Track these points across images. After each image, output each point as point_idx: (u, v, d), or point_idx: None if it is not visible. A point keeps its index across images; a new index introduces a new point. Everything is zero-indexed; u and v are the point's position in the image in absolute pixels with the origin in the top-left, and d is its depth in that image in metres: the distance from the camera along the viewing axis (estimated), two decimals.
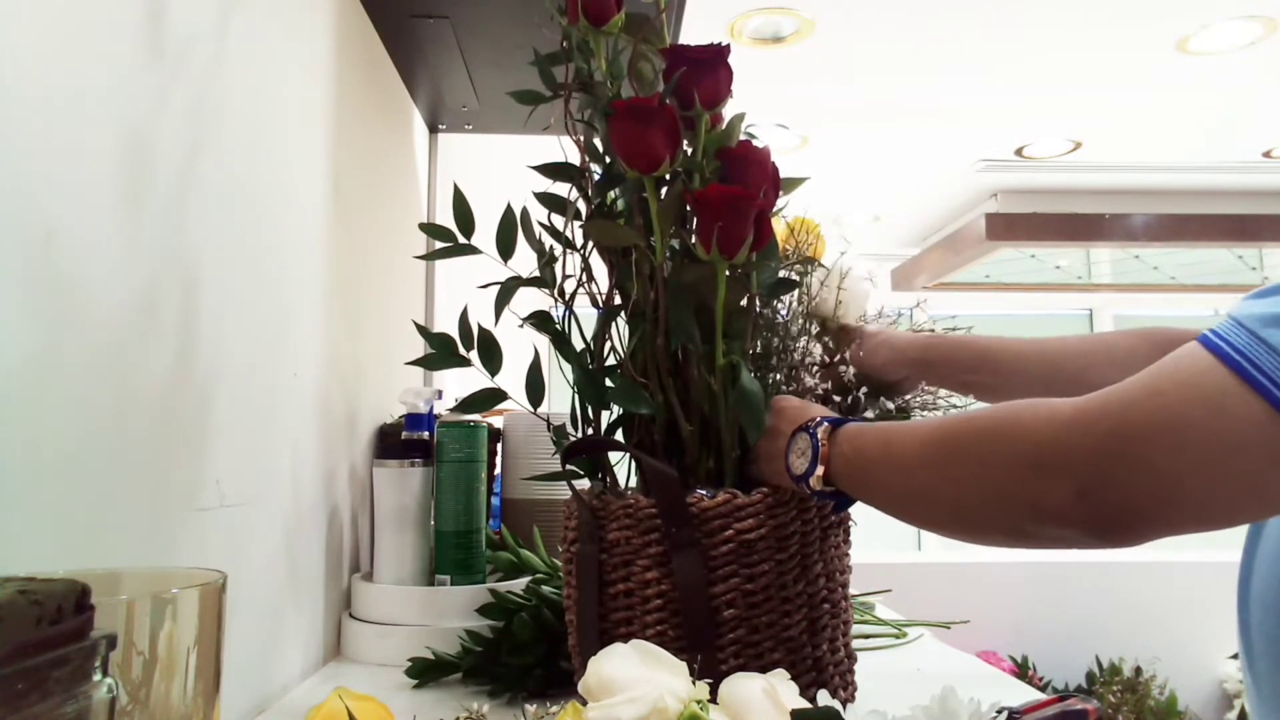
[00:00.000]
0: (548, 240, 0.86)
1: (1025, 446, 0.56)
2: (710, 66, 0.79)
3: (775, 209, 0.82)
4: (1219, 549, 3.36)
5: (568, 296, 0.86)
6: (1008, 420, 0.58)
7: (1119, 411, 0.53)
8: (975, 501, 0.60)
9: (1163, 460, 0.51)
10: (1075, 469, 0.53)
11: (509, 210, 0.86)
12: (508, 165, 1.42)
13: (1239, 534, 0.76)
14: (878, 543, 3.95)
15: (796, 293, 0.87)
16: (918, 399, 0.95)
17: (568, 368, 0.84)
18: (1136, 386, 0.54)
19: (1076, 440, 0.54)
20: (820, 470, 0.69)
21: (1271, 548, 0.76)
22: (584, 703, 0.55)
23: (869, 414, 0.85)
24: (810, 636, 0.75)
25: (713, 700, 0.57)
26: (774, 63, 2.11)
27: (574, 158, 0.85)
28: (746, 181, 0.76)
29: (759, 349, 0.84)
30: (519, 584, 1.03)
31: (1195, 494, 0.52)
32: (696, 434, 0.79)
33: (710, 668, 0.69)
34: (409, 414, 1.13)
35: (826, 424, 0.70)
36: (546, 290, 0.86)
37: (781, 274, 0.83)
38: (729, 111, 0.82)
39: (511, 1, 1.22)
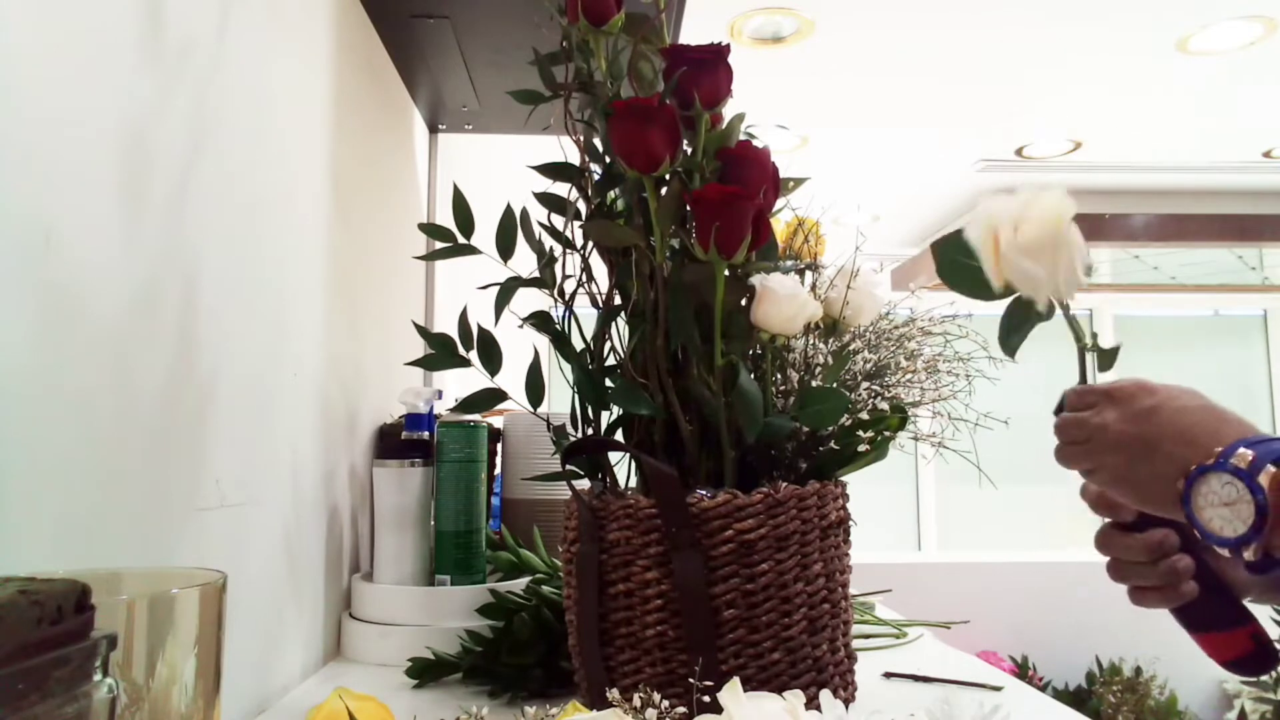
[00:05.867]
0: (548, 240, 0.86)
1: None
2: (710, 66, 0.79)
3: (774, 209, 0.82)
4: None
5: (568, 296, 0.86)
6: None
7: None
8: None
9: None
10: None
11: (509, 210, 0.86)
12: (508, 165, 1.42)
13: None
14: (878, 543, 3.95)
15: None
16: (928, 394, 0.93)
17: (568, 368, 0.84)
18: None
19: None
20: (1262, 540, 0.50)
21: None
22: (584, 703, 0.55)
23: (864, 415, 0.84)
24: (810, 636, 0.75)
25: (717, 710, 0.57)
26: (774, 63, 2.11)
27: (574, 158, 0.85)
28: (746, 181, 0.76)
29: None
30: (519, 584, 1.03)
31: None
32: (696, 434, 0.79)
33: (710, 668, 0.69)
34: (409, 414, 1.13)
35: (1272, 466, 0.50)
36: (546, 290, 0.86)
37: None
38: (729, 111, 0.82)
39: (511, 1, 1.22)
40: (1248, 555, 0.51)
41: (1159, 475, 0.55)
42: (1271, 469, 0.50)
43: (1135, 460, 0.57)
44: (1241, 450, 0.51)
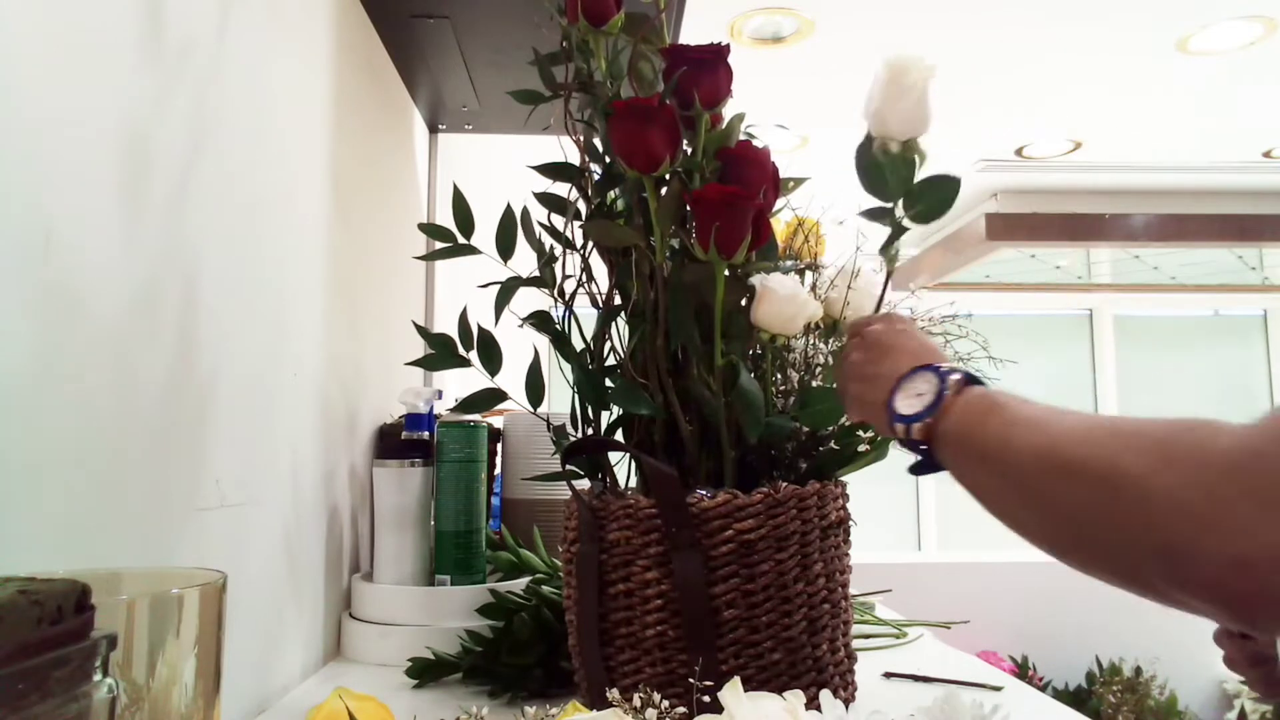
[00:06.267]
0: (548, 240, 0.86)
1: (1178, 478, 0.42)
2: (710, 66, 0.79)
3: (774, 209, 0.82)
4: None
5: (568, 296, 0.86)
6: (1171, 436, 0.45)
7: None
8: (1098, 524, 0.47)
9: None
10: (1235, 529, 0.39)
11: (509, 210, 0.86)
12: (508, 165, 1.42)
13: None
14: (878, 543, 3.95)
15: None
16: None
17: (568, 368, 0.84)
18: None
19: (1239, 491, 0.40)
20: (930, 420, 0.60)
21: None
22: (584, 703, 0.55)
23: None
24: (810, 636, 0.75)
25: (717, 710, 0.57)
26: (774, 63, 2.11)
27: (574, 158, 0.85)
28: (746, 181, 0.76)
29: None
30: (519, 584, 1.03)
31: None
32: (696, 434, 0.79)
33: (710, 668, 0.70)
34: (409, 414, 1.13)
35: (960, 375, 0.61)
36: (546, 290, 0.86)
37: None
38: (729, 111, 0.82)
39: (511, 1, 1.22)
40: (915, 432, 0.61)
41: (883, 375, 0.66)
42: (960, 378, 0.61)
43: (871, 361, 0.68)
44: (949, 365, 0.63)
